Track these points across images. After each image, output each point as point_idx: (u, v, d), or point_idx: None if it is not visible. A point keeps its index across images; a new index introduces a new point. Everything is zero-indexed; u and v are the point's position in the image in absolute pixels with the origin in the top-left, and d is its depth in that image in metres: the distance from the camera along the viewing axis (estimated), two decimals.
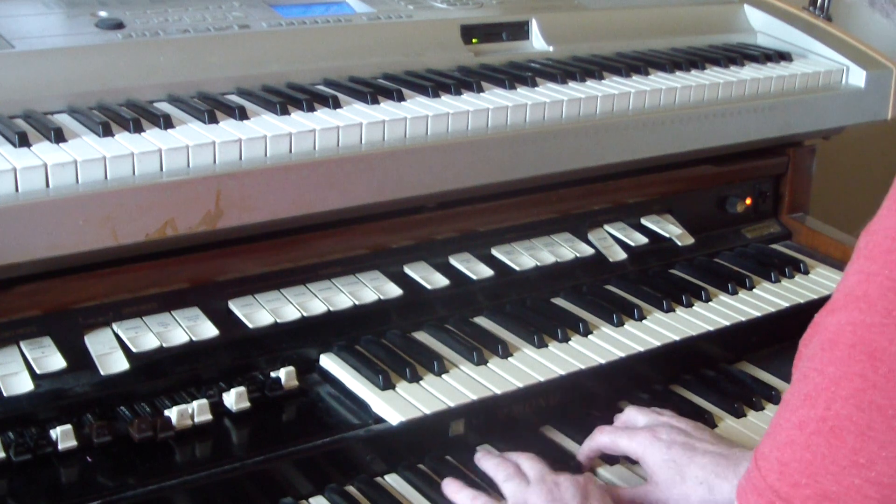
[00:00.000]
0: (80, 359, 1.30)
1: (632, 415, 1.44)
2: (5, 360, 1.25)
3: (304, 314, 1.44)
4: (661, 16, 2.08)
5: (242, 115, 1.41)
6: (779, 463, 0.85)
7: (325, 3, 1.76)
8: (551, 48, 1.89)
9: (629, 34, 2.00)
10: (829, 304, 0.89)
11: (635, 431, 1.37)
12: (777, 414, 0.90)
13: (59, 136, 1.27)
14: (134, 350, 1.31)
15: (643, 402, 1.55)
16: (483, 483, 1.32)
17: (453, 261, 1.62)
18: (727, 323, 1.66)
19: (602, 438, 1.39)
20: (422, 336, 1.55)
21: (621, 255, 1.76)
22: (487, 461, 1.34)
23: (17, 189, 1.18)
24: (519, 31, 1.89)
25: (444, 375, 1.42)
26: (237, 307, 1.42)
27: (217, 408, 1.33)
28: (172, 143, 1.29)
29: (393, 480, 1.35)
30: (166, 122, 1.35)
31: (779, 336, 1.79)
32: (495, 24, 1.86)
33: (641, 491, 1.32)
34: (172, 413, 1.28)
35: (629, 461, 1.41)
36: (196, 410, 1.30)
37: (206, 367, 1.38)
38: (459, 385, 1.40)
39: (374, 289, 1.51)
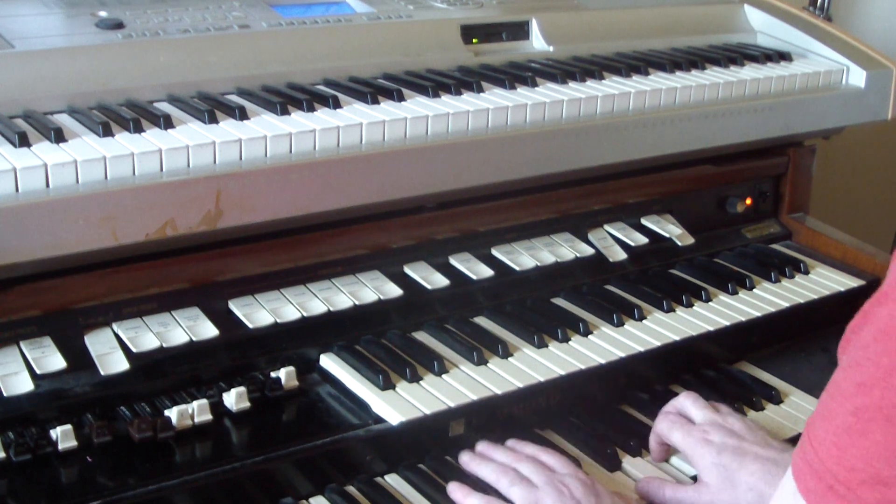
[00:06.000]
0: (80, 359, 1.30)
1: (686, 405, 1.43)
2: (5, 360, 1.25)
3: (304, 314, 1.43)
4: (661, 16, 2.08)
5: (242, 115, 1.40)
6: (836, 448, 0.88)
7: (325, 3, 1.76)
8: (551, 48, 1.89)
9: (629, 34, 2.00)
10: (879, 292, 0.90)
11: (689, 430, 1.37)
12: (828, 397, 0.92)
13: (59, 136, 1.27)
14: (134, 350, 1.31)
15: (643, 402, 1.56)
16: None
17: (453, 261, 1.62)
18: (727, 323, 1.66)
19: (661, 425, 1.40)
20: (422, 336, 1.55)
21: (621, 255, 1.76)
22: (484, 468, 1.33)
23: (17, 189, 1.18)
24: (519, 31, 1.89)
25: (444, 375, 1.42)
26: (237, 307, 1.42)
27: (217, 408, 1.33)
28: (172, 143, 1.29)
29: (393, 480, 1.35)
30: (166, 122, 1.34)
31: (779, 336, 1.79)
32: (495, 24, 1.86)
33: (692, 490, 1.32)
34: (172, 413, 1.28)
35: None
36: (196, 410, 1.30)
37: (206, 367, 1.38)
38: (459, 385, 1.40)
39: (374, 289, 1.51)
